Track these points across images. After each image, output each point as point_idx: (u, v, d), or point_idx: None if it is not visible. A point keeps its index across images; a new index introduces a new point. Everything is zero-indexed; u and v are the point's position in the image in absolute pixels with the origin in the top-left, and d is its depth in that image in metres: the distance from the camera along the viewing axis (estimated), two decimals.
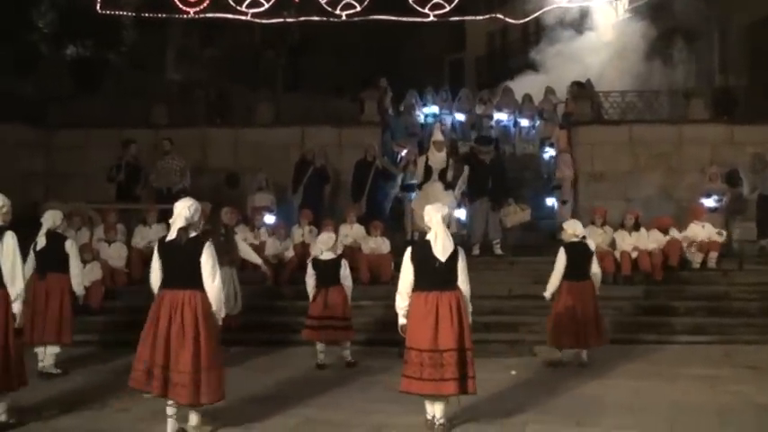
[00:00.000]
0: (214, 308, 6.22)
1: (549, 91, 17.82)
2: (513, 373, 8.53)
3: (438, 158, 12.47)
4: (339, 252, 9.99)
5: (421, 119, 18.39)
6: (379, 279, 11.64)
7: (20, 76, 16.35)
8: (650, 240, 11.85)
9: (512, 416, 6.71)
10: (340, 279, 9.02)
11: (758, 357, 9.22)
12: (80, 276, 8.64)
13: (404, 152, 15.47)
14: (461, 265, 6.39)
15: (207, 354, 6.10)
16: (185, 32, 19.76)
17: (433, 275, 6.33)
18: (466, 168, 12.91)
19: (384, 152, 15.03)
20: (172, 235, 6.23)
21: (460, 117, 18.50)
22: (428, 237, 6.48)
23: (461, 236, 13.52)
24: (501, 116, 18.14)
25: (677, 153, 14.24)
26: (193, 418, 6.26)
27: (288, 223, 12.65)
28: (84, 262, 10.94)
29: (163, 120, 15.19)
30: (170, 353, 6.07)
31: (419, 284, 6.38)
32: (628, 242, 11.86)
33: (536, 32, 26.62)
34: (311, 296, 9.05)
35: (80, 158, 14.63)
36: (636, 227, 12.03)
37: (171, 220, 6.30)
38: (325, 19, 11.60)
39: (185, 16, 11.76)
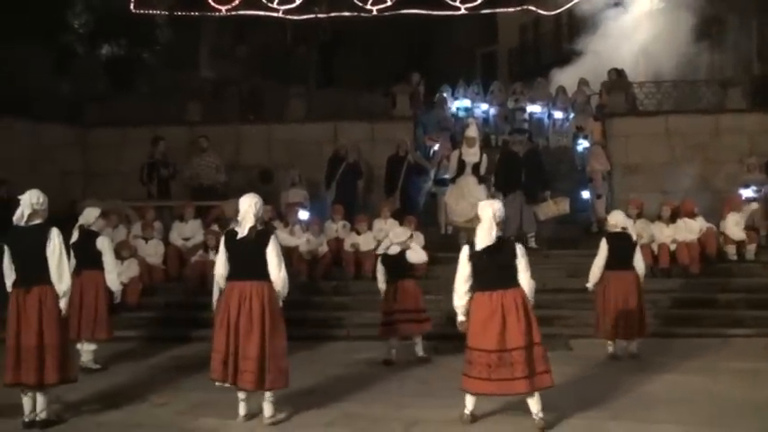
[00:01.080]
0: (283, 294, 6.48)
1: (583, 82, 17.66)
2: None
3: (471, 153, 12.43)
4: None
5: (453, 113, 18.34)
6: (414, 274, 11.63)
7: (56, 77, 16.60)
8: (687, 230, 11.69)
9: (547, 409, 6.66)
10: (411, 271, 9.01)
11: None
12: (114, 273, 8.70)
13: (436, 146, 15.44)
14: (522, 261, 6.30)
15: (272, 341, 6.34)
16: (218, 30, 19.90)
17: (493, 273, 6.27)
18: (485, 158, 12.88)
19: (416, 146, 15.01)
20: (243, 232, 6.43)
21: (493, 110, 18.42)
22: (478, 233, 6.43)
23: None
24: (534, 109, 18.03)
25: (714, 143, 14.03)
26: (268, 409, 6.41)
27: (321, 219, 12.69)
28: (122, 259, 11.11)
29: (197, 117, 15.34)
30: (238, 341, 6.30)
31: (480, 284, 6.34)
32: (666, 234, 11.72)
33: (569, 23, 26.38)
34: (382, 293, 9.02)
35: (116, 156, 14.81)
36: (673, 218, 11.89)
37: (239, 217, 6.50)
38: (356, 14, 11.60)
39: (218, 14, 11.83)
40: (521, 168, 12.63)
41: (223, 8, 11.36)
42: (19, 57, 15.32)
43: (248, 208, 6.46)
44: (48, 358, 6.36)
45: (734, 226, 11.86)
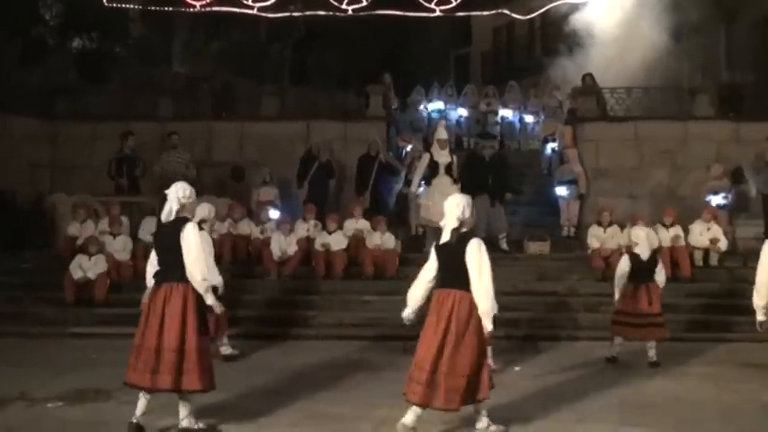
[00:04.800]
0: (482, 308, 5.87)
1: (554, 87, 17.82)
2: (517, 369, 8.55)
3: (443, 155, 12.53)
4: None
5: (426, 114, 18.42)
6: (384, 274, 11.67)
7: (26, 69, 16.39)
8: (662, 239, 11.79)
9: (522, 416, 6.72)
10: (654, 276, 8.86)
11: (762, 355, 9.20)
12: (215, 269, 8.26)
13: (408, 147, 15.50)
14: None
15: (456, 358, 5.85)
16: (192, 26, 19.78)
17: None
18: (455, 159, 12.93)
19: (389, 147, 15.04)
20: (445, 236, 5.99)
21: (465, 113, 18.53)
22: None
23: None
24: (506, 112, 18.18)
25: (682, 150, 14.22)
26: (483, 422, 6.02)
27: (293, 218, 12.66)
28: (90, 255, 11.03)
29: (168, 113, 15.22)
30: (441, 357, 5.82)
31: None
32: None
33: (542, 28, 26.57)
34: (619, 291, 8.84)
35: (86, 151, 14.65)
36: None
37: (442, 222, 6.08)
38: (331, 13, 11.58)
39: (192, 10, 11.75)
40: (487, 172, 12.71)
41: (197, 4, 11.28)
42: None
43: (453, 209, 5.97)
44: (163, 362, 5.99)
45: (698, 235, 12.05)
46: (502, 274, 11.62)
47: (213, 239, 9.01)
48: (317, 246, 11.84)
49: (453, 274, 5.92)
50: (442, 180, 12.36)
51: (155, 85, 16.41)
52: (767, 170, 12.68)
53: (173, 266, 6.12)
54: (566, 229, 13.65)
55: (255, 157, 14.43)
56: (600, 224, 12.14)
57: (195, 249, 6.08)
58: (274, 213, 12.78)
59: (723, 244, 12.02)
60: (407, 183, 13.86)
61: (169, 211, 6.23)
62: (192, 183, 13.25)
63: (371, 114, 15.12)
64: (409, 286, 11.33)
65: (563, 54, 21.60)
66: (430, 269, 6.11)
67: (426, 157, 12.59)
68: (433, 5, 11.14)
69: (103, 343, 9.73)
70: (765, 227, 12.71)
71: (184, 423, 6.14)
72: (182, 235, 6.09)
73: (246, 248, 12.27)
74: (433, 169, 12.45)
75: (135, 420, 6.05)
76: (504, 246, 12.69)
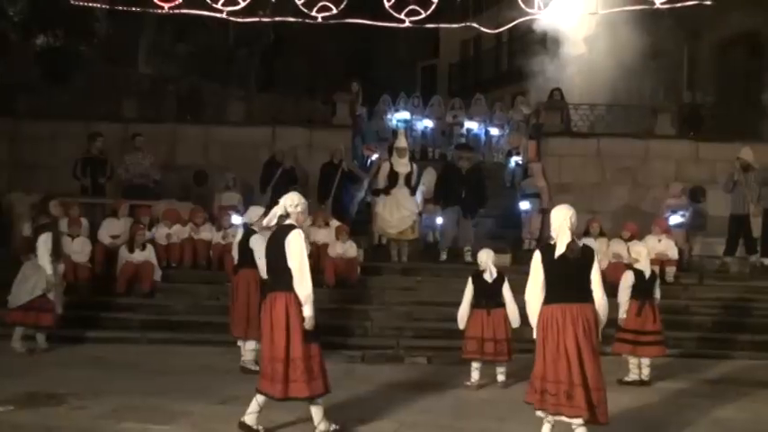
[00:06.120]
0: (604, 318, 5.86)
1: (520, 101, 17.98)
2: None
3: (402, 164, 12.61)
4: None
5: (392, 124, 18.48)
6: (346, 283, 11.63)
7: None
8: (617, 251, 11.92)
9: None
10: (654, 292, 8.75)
11: (716, 371, 9.37)
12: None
13: (374, 156, 15.53)
14: None
15: (594, 371, 5.75)
16: (158, 27, 19.60)
17: None
18: (426, 173, 12.97)
19: (354, 156, 15.05)
20: (560, 249, 5.80)
21: (431, 124, 18.63)
22: None
23: (428, 242, 13.60)
24: (471, 125, 18.31)
25: (643, 167, 14.43)
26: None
27: None
28: None
29: (132, 114, 15.06)
30: (572, 368, 5.69)
31: None
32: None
33: (509, 42, 26.84)
34: (625, 306, 8.66)
35: (47, 150, 14.41)
36: (601, 235, 12.17)
37: (553, 233, 5.90)
38: (300, 20, 11.57)
39: (160, 11, 11.64)
40: (462, 184, 12.74)
41: (165, 5, 11.17)
42: None
43: (563, 221, 5.81)
44: (275, 371, 6.06)
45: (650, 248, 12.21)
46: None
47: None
48: None
49: (577, 288, 5.79)
50: (401, 191, 12.43)
51: (119, 86, 16.22)
52: (737, 189, 12.78)
53: (276, 275, 6.19)
54: (527, 242, 13.75)
55: (220, 161, 14.34)
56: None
57: (299, 258, 6.04)
58: (236, 219, 12.68)
59: (672, 253, 12.12)
60: (372, 192, 13.89)
61: (272, 215, 6.25)
62: (155, 185, 13.36)
63: (338, 122, 15.13)
64: (371, 295, 11.40)
65: (530, 68, 21.83)
66: (538, 286, 5.86)
67: (386, 165, 12.67)
68: (402, 16, 11.19)
69: (57, 346, 9.59)
70: (727, 245, 12.90)
71: (321, 427, 6.19)
72: (286, 241, 6.07)
73: (207, 254, 12.17)
74: (392, 179, 12.52)
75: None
76: (469, 258, 12.70)
